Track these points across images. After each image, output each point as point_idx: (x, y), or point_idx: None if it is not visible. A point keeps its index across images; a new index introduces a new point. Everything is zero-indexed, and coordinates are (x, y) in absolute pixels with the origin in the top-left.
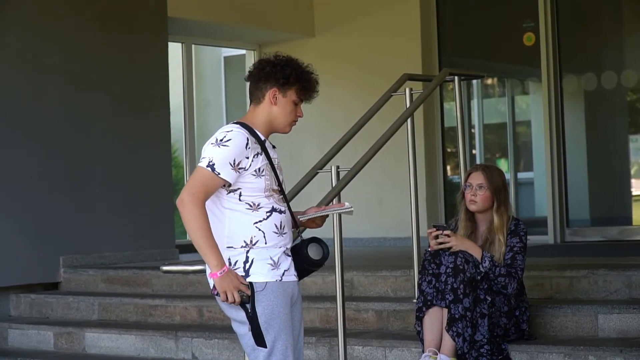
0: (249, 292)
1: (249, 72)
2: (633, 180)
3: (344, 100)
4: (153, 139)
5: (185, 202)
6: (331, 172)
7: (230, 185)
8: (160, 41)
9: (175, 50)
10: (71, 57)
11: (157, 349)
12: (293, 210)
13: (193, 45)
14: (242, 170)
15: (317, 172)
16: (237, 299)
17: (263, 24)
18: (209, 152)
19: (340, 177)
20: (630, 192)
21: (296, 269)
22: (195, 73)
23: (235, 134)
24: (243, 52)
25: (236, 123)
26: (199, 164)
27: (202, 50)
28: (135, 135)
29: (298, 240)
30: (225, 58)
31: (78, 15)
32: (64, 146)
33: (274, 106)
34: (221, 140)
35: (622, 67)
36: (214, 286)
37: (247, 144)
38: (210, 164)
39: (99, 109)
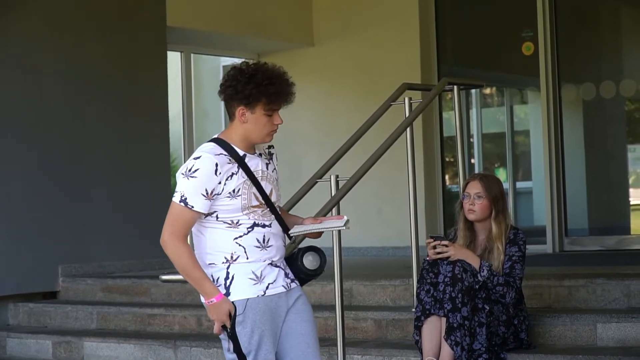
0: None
1: (219, 86)
2: (631, 190)
3: (343, 110)
4: (152, 148)
5: (166, 242)
6: (330, 181)
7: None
8: (159, 50)
9: (174, 60)
10: (70, 66)
11: (156, 358)
12: (295, 215)
13: (192, 55)
14: (217, 195)
15: (317, 182)
16: (218, 331)
17: (262, 33)
18: (180, 185)
19: (340, 187)
20: (629, 201)
21: (295, 277)
22: (194, 82)
23: (203, 162)
24: (251, 62)
25: (214, 140)
26: (173, 198)
27: (201, 59)
28: (134, 144)
29: (295, 249)
30: (224, 67)
31: (77, 23)
32: (63, 155)
33: (245, 124)
34: (189, 170)
35: (620, 77)
36: None
37: (215, 170)
38: (183, 198)
39: (98, 117)
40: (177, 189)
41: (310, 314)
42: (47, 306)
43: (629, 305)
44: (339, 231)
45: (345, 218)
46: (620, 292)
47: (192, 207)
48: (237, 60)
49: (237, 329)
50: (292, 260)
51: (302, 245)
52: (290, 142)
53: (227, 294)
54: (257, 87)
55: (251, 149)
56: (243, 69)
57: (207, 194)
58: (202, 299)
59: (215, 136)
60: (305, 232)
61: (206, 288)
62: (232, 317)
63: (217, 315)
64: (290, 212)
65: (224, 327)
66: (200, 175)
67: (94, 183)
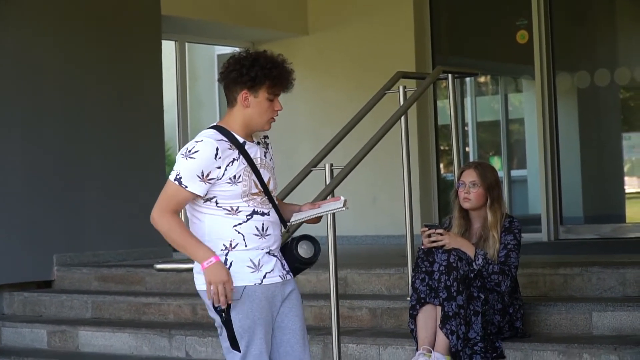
0: (231, 287)
1: (219, 73)
2: (626, 178)
3: (337, 98)
4: (146, 137)
5: (155, 219)
6: (325, 170)
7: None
8: (154, 39)
9: (168, 49)
10: (64, 56)
11: (151, 347)
12: (291, 203)
13: (186, 44)
14: (214, 180)
15: (311, 170)
16: (221, 292)
17: (256, 22)
18: (178, 165)
19: (334, 175)
20: (624, 189)
21: (289, 267)
22: (189, 71)
23: (204, 145)
24: (237, 50)
25: (213, 127)
26: (169, 176)
27: (196, 48)
28: (129, 133)
29: (289, 238)
30: (219, 56)
31: (71, 13)
32: (57, 144)
33: (247, 108)
34: (189, 151)
35: (615, 65)
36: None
37: (216, 154)
38: (178, 177)
39: (92, 107)
40: (174, 167)
41: (302, 309)
42: (42, 295)
43: (624, 294)
44: (334, 220)
45: (343, 199)
46: (615, 280)
47: (186, 187)
48: (232, 49)
49: (232, 314)
50: (287, 249)
51: (297, 234)
52: (285, 131)
53: None
54: (261, 70)
55: (250, 136)
56: (245, 55)
57: (202, 176)
58: (198, 287)
59: (215, 124)
60: (306, 219)
61: (201, 252)
62: (227, 304)
63: (218, 276)
64: (285, 201)
65: (218, 312)
66: (198, 157)
67: (89, 172)
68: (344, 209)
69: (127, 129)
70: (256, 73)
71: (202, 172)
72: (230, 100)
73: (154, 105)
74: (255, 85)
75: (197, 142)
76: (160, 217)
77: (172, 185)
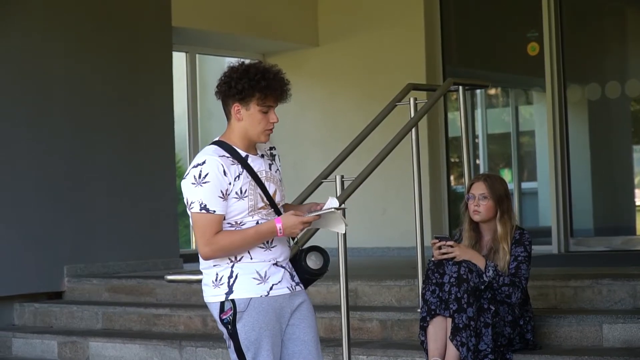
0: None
1: (215, 87)
2: (637, 190)
3: (348, 110)
4: (157, 148)
5: (208, 254)
6: (335, 181)
7: None
8: (165, 51)
9: (179, 60)
10: (75, 67)
11: (161, 359)
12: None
13: (197, 55)
14: (228, 196)
15: (322, 182)
16: (304, 228)
17: (267, 33)
18: (195, 195)
19: (345, 187)
20: (634, 202)
21: (299, 278)
22: (199, 83)
23: (209, 166)
24: (247, 61)
25: (214, 143)
26: (192, 210)
27: (206, 59)
28: (139, 144)
29: (298, 250)
30: None
31: (82, 24)
32: (67, 156)
33: (240, 121)
34: (199, 177)
35: (626, 77)
36: (220, 310)
37: (224, 170)
38: (202, 206)
39: (103, 118)
40: (191, 199)
41: (314, 320)
42: (52, 306)
43: (634, 306)
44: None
45: (332, 200)
46: (626, 292)
47: (214, 211)
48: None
49: (238, 327)
50: (296, 261)
51: (303, 247)
52: (295, 142)
53: (230, 292)
54: (249, 82)
55: (253, 149)
56: (236, 68)
57: (223, 195)
58: (206, 299)
59: (216, 139)
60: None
61: (266, 233)
62: (233, 315)
63: (293, 228)
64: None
65: (225, 325)
66: (212, 179)
67: (100, 183)
68: (334, 209)
69: (138, 140)
70: (243, 85)
71: (222, 192)
72: (226, 114)
73: (165, 117)
74: (245, 98)
75: (201, 164)
76: (211, 249)
77: (201, 217)
